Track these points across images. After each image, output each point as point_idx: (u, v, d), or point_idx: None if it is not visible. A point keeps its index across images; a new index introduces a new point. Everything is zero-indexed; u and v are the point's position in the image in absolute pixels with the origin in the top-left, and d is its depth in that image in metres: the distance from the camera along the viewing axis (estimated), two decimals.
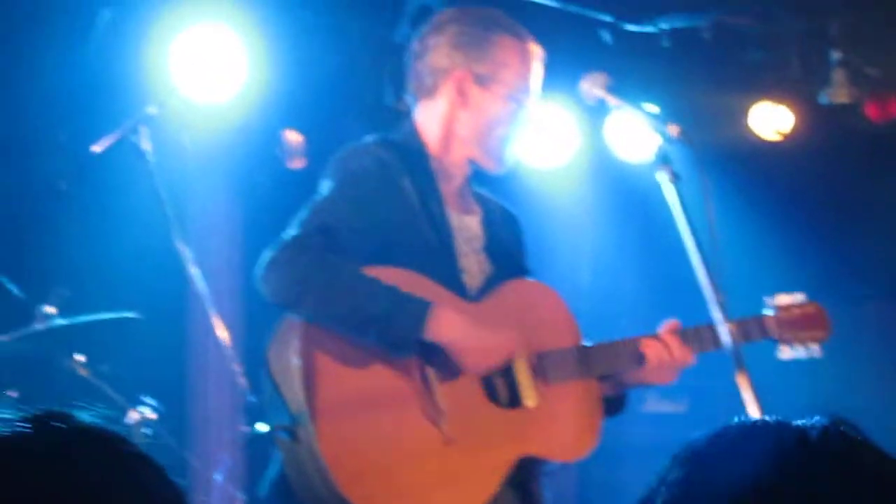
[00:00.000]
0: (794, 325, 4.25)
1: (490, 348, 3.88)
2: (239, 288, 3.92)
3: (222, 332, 4.63)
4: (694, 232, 3.84)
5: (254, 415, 4.14)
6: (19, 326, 5.08)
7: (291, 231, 3.84)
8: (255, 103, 5.88)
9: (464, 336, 3.82)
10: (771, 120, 7.38)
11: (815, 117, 7.38)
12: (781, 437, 1.45)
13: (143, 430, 4.90)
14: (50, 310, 5.15)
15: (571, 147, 6.99)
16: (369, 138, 4.10)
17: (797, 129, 7.38)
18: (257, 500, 4.02)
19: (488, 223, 4.19)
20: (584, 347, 4.09)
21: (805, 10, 6.99)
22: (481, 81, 4.09)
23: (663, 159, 3.95)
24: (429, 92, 4.15)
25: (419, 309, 3.78)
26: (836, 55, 7.01)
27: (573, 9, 6.68)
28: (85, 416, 1.42)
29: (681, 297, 4.41)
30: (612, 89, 4.10)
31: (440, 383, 3.86)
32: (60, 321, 5.12)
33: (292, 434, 3.76)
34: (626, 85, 4.26)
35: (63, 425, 1.39)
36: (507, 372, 3.96)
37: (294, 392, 3.76)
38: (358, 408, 3.79)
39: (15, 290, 5.29)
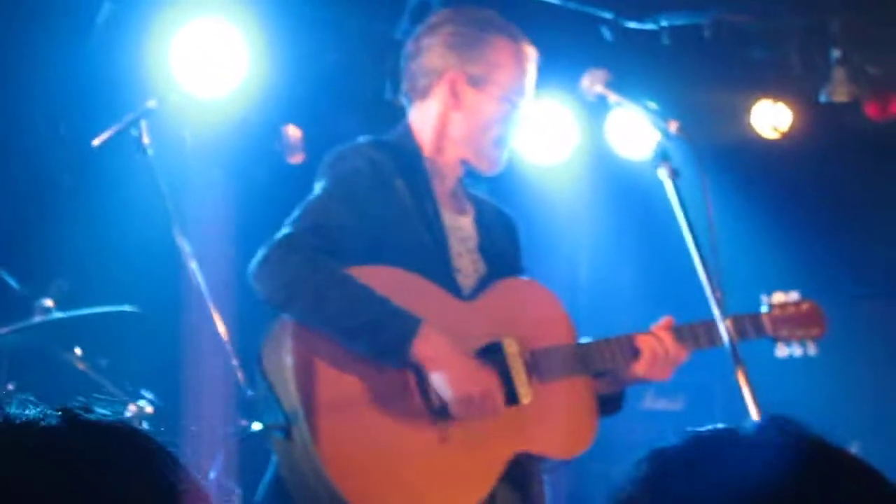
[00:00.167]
0: (789, 322, 4.26)
1: (470, 377, 3.86)
2: (238, 282, 3.92)
3: (221, 327, 4.63)
4: (692, 229, 3.85)
5: (251, 409, 4.14)
6: (18, 319, 5.07)
7: (284, 230, 3.84)
8: (254, 98, 5.88)
9: (447, 362, 3.82)
10: (770, 118, 7.39)
11: (815, 115, 7.38)
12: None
13: (141, 424, 4.90)
14: (48, 303, 5.15)
15: (571, 143, 6.99)
16: (362, 139, 4.11)
17: (797, 127, 7.39)
18: (254, 496, 4.02)
19: (481, 223, 4.18)
20: (579, 344, 4.09)
21: (805, 8, 6.99)
22: (475, 82, 4.09)
23: (663, 156, 3.95)
24: (422, 93, 4.15)
25: (408, 326, 3.77)
26: (836, 53, 7.01)
27: (574, 6, 6.68)
28: (105, 412, 1.43)
29: (679, 293, 4.42)
30: (613, 86, 4.10)
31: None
32: (59, 314, 5.12)
33: (286, 433, 3.76)
34: (627, 82, 4.25)
35: (92, 419, 1.40)
36: (502, 370, 3.96)
37: (287, 391, 3.76)
38: (352, 406, 3.79)
39: (13, 282, 5.29)
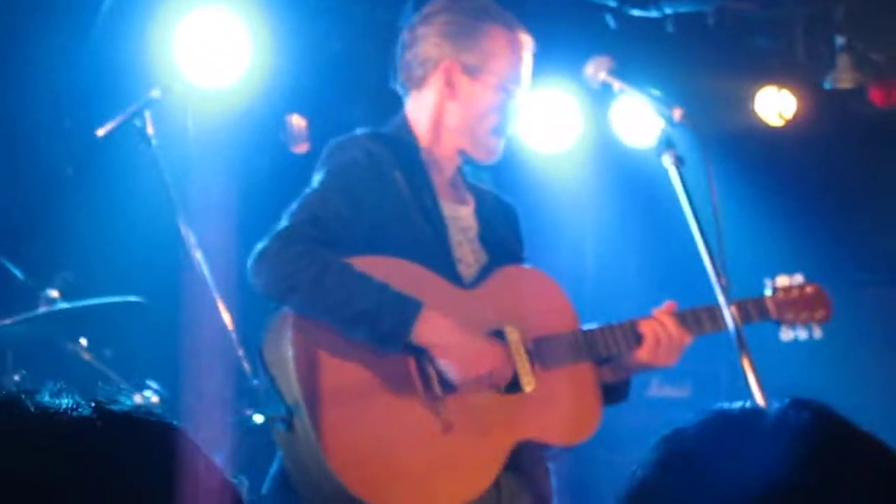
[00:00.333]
0: (794, 305, 4.25)
1: (477, 357, 3.87)
2: (242, 273, 3.92)
3: (225, 317, 4.64)
4: (697, 216, 3.84)
5: (256, 399, 4.15)
6: (23, 310, 5.08)
7: (282, 223, 3.84)
8: (258, 88, 5.88)
9: (450, 343, 3.82)
10: (775, 105, 7.38)
11: (819, 102, 7.38)
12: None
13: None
14: (54, 293, 5.16)
15: (575, 131, 6.99)
16: (359, 131, 4.10)
17: (801, 113, 7.39)
18: (259, 486, 4.02)
19: (482, 213, 4.17)
20: (582, 331, 4.08)
21: None
22: (470, 72, 4.08)
23: (667, 143, 3.94)
24: (418, 83, 4.14)
25: (408, 310, 3.77)
26: (840, 40, 7.00)
27: None
28: (129, 403, 1.43)
29: (684, 280, 4.42)
30: (617, 73, 4.09)
31: (438, 372, 3.86)
32: (64, 305, 5.13)
33: (289, 425, 3.76)
34: (631, 69, 4.24)
35: (123, 410, 1.40)
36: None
37: (289, 383, 3.75)
38: (354, 396, 3.78)
39: (19, 273, 5.29)
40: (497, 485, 3.90)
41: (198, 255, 4.66)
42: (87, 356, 5.15)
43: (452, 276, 3.98)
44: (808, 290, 4.29)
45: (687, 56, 7.12)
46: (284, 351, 3.77)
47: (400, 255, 3.89)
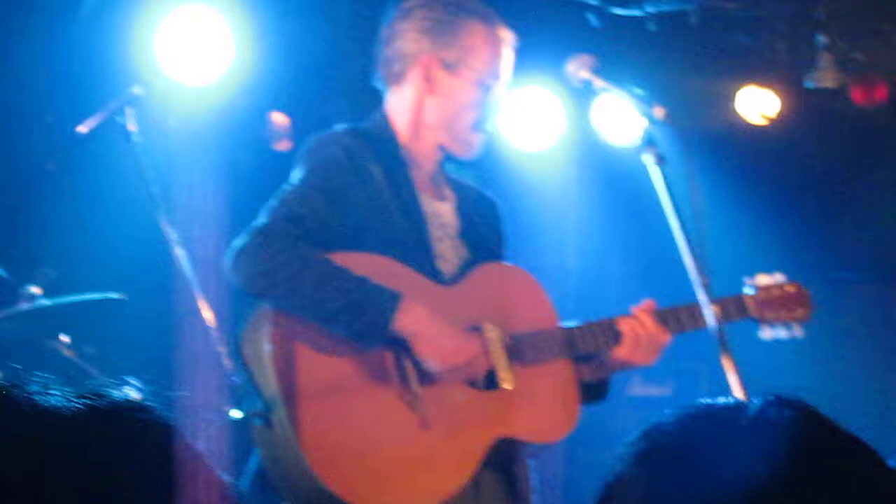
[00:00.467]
0: (774, 304, 4.26)
1: (456, 347, 3.87)
2: (224, 270, 3.92)
3: (207, 314, 4.63)
4: (679, 214, 3.85)
5: (238, 396, 4.14)
6: (3, 306, 5.07)
7: (259, 219, 3.84)
8: (240, 85, 5.86)
9: (429, 332, 3.82)
10: (757, 104, 7.39)
11: (801, 101, 7.39)
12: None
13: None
14: (35, 290, 5.14)
15: (557, 130, 6.98)
16: (338, 127, 4.10)
17: (783, 113, 7.39)
18: (240, 483, 4.02)
19: (463, 209, 4.17)
20: (561, 329, 4.09)
21: None
22: (449, 67, 4.08)
23: (649, 142, 3.95)
24: (397, 78, 4.13)
25: (387, 301, 3.77)
26: (822, 39, 7.01)
27: None
28: (120, 397, 1.43)
29: (666, 279, 4.42)
30: (598, 72, 4.10)
31: (414, 367, 3.86)
32: (45, 302, 5.11)
33: (266, 420, 3.76)
34: (613, 68, 4.25)
35: (112, 406, 1.40)
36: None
37: (266, 378, 3.76)
38: (331, 392, 3.78)
39: (0, 270, 5.27)
40: (476, 482, 3.90)
41: (179, 252, 4.65)
42: (68, 353, 5.14)
43: (432, 272, 3.98)
44: (789, 288, 4.30)
45: (669, 54, 7.12)
46: (262, 346, 3.76)
47: (378, 252, 3.89)
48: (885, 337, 7.84)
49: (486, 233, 4.20)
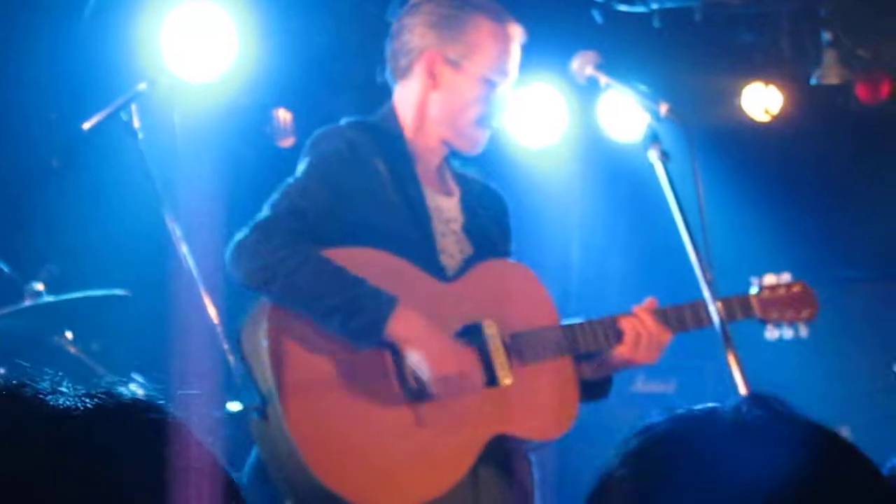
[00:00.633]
0: (779, 304, 4.25)
1: (448, 357, 3.86)
2: (225, 264, 3.93)
3: (211, 310, 4.63)
4: (683, 211, 3.84)
5: (240, 391, 4.14)
6: (8, 303, 5.07)
7: (262, 213, 3.84)
8: (245, 81, 5.86)
9: (423, 340, 3.82)
10: (761, 101, 7.39)
11: (806, 98, 7.39)
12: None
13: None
14: (39, 286, 5.14)
15: (562, 126, 6.98)
16: (343, 121, 4.10)
17: (787, 109, 7.39)
18: (241, 477, 4.02)
19: (468, 204, 4.17)
20: (561, 326, 4.08)
21: None
22: (453, 62, 4.07)
23: (653, 138, 3.94)
24: (404, 72, 4.14)
25: (383, 305, 3.77)
26: (827, 36, 7.01)
27: None
28: (129, 394, 1.42)
29: (670, 276, 4.42)
30: (603, 68, 4.09)
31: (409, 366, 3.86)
32: (49, 298, 5.11)
33: (262, 414, 3.77)
34: (617, 64, 4.25)
35: (123, 401, 1.39)
36: (481, 352, 3.95)
37: (263, 372, 3.77)
38: (328, 387, 3.79)
39: (4, 266, 5.28)
40: (475, 477, 3.90)
41: (183, 249, 4.65)
42: (72, 349, 5.14)
43: (435, 267, 3.98)
44: (795, 288, 4.29)
45: (673, 51, 7.12)
46: (260, 340, 3.78)
47: (381, 246, 3.90)
48: (889, 334, 7.83)
49: (490, 227, 4.20)
